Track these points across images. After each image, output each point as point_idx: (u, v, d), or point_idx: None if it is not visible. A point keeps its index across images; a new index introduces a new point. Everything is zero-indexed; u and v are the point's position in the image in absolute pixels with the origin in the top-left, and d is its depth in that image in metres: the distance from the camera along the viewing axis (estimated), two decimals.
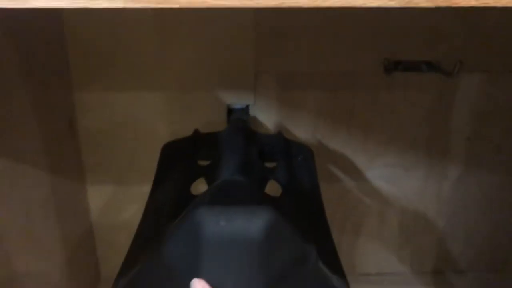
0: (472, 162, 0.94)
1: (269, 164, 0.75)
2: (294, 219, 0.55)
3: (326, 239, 0.64)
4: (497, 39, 0.83)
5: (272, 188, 0.69)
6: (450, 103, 0.89)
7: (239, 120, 0.83)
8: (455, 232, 1.01)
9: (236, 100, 0.87)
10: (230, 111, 0.87)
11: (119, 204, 0.96)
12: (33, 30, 0.69)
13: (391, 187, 0.95)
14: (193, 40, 0.82)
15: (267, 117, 0.89)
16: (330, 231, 0.65)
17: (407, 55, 0.83)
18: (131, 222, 0.95)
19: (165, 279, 0.52)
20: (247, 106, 0.87)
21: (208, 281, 0.49)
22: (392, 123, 0.89)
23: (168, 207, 0.64)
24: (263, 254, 0.49)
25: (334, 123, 0.90)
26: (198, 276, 0.49)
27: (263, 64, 0.84)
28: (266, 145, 0.79)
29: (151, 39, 0.82)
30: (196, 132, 0.83)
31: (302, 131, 0.90)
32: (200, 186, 0.71)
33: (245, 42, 0.82)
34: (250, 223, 0.48)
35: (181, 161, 0.76)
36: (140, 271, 0.54)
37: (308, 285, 0.53)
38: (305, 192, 0.70)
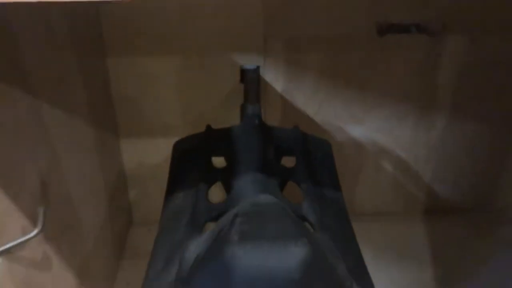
0: (457, 113, 1.06)
1: (287, 159, 0.74)
2: (327, 245, 0.52)
3: (355, 254, 0.61)
4: (478, 3, 0.94)
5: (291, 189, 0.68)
6: (437, 61, 1.00)
7: (253, 115, 0.81)
8: (443, 176, 1.14)
9: (248, 62, 0.99)
10: (242, 71, 1.00)
11: (147, 156, 1.10)
12: (75, 8, 0.82)
13: (386, 136, 1.08)
14: (210, 10, 0.94)
15: (275, 77, 1.02)
16: (357, 243, 0.62)
17: (398, 18, 0.94)
18: (158, 172, 1.10)
19: None
20: (258, 67, 0.99)
21: None
22: (386, 79, 1.01)
23: (187, 215, 0.63)
24: None
25: (334, 81, 1.02)
26: None
27: (271, 29, 0.96)
28: (283, 141, 0.76)
29: (174, 10, 0.94)
30: (208, 128, 0.82)
31: (306, 89, 1.03)
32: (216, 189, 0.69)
33: (255, 10, 0.94)
34: (286, 263, 0.45)
35: (195, 160, 0.74)
36: None
37: None
38: (325, 193, 0.68)
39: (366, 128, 1.07)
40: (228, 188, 0.68)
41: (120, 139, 1.07)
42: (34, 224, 0.60)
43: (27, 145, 0.63)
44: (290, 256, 0.45)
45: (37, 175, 0.65)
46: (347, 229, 0.64)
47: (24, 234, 0.58)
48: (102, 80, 0.97)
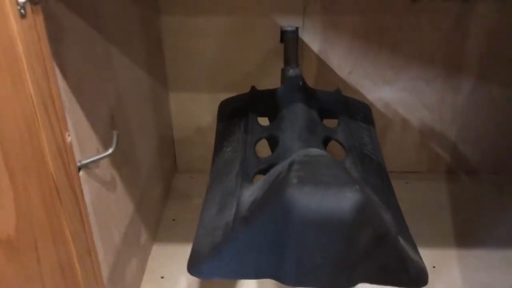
0: (483, 78, 1.12)
1: (328, 122, 0.76)
2: (373, 189, 0.57)
3: (395, 208, 0.64)
4: None
5: (333, 149, 0.71)
6: (467, 26, 1.06)
7: (295, 77, 0.83)
8: (467, 138, 1.21)
9: (288, 23, 1.08)
10: (282, 32, 1.08)
11: (193, 109, 1.21)
12: None
13: (413, 97, 1.16)
14: None
15: (312, 38, 1.10)
16: (396, 198, 0.67)
17: None
18: (202, 125, 1.21)
19: (248, 255, 0.54)
20: (297, 28, 1.08)
21: (295, 259, 0.51)
22: (416, 43, 1.08)
23: (237, 167, 0.66)
24: (349, 235, 0.50)
25: (367, 43, 1.09)
26: (284, 254, 0.51)
27: None
28: (325, 103, 0.79)
29: None
30: (253, 89, 0.87)
31: (340, 51, 1.11)
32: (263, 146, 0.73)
33: None
34: (340, 206, 0.49)
35: (241, 119, 0.77)
36: (224, 247, 0.55)
37: (388, 262, 0.54)
38: (367, 153, 0.71)
39: (395, 89, 1.15)
40: (273, 145, 0.72)
41: (169, 92, 1.19)
42: (105, 147, 0.72)
43: (101, 83, 0.75)
44: (344, 200, 0.49)
45: (108, 108, 0.77)
46: (388, 186, 0.69)
47: (99, 154, 0.70)
48: (156, 36, 1.08)
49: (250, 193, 0.57)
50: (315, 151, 0.57)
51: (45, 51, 0.51)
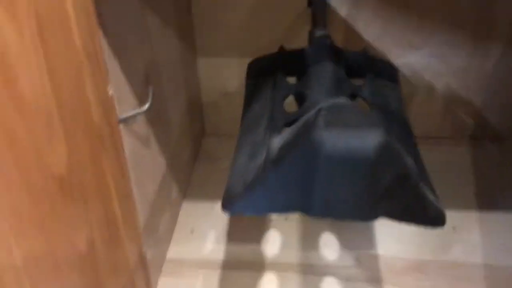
0: None
1: (355, 82, 0.77)
2: (396, 139, 0.59)
3: (418, 159, 0.67)
4: None
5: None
6: None
7: (323, 36, 0.85)
8: (492, 105, 1.21)
9: None
10: None
11: (221, 73, 1.24)
12: None
13: (440, 63, 1.16)
14: None
15: (340, 2, 1.11)
16: (418, 149, 0.71)
17: None
18: (230, 88, 1.25)
19: (278, 192, 0.58)
20: None
21: (321, 194, 0.55)
22: (445, 7, 1.08)
23: (266, 121, 0.69)
24: (373, 173, 0.54)
25: (394, 7, 1.10)
26: (312, 190, 0.55)
27: None
28: (352, 63, 0.80)
29: None
30: (281, 48, 0.89)
31: (368, 15, 1.11)
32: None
33: None
34: (364, 145, 0.52)
35: (269, 77, 0.79)
36: (256, 185, 0.59)
37: (408, 201, 0.57)
38: (392, 110, 0.73)
39: (422, 54, 1.15)
40: (300, 101, 0.75)
41: (198, 57, 1.22)
42: (141, 104, 0.77)
43: (137, 41, 0.78)
44: (369, 140, 0.52)
45: (144, 66, 0.81)
46: (411, 140, 0.72)
47: (135, 109, 0.75)
48: (186, 1, 1.11)
49: (279, 140, 0.61)
50: (341, 99, 0.60)
51: (91, 9, 0.55)
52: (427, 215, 0.59)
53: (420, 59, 1.16)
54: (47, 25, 0.45)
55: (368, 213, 0.58)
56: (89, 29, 0.55)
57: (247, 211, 0.62)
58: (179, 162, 1.09)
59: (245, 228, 1.06)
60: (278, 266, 0.97)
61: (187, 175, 1.18)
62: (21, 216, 0.41)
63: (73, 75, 0.51)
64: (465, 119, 1.24)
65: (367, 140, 0.52)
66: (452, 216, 1.06)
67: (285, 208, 0.60)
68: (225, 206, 0.61)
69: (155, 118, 0.88)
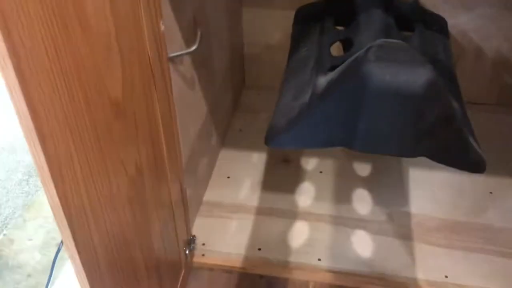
0: None
1: (405, 33, 0.78)
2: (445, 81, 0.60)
3: (463, 107, 0.68)
4: None
5: None
6: None
7: None
8: None
9: None
10: None
11: (264, 26, 1.24)
12: None
13: (491, 25, 1.12)
14: None
15: None
16: (463, 99, 0.70)
17: None
18: (272, 42, 1.24)
19: (322, 126, 0.59)
20: None
21: (366, 128, 0.55)
22: None
23: (313, 62, 0.70)
24: (419, 109, 0.54)
25: None
26: (356, 124, 0.57)
27: None
28: (402, 13, 0.81)
29: None
30: None
31: None
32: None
33: None
34: (413, 80, 0.52)
35: (317, 22, 0.80)
36: (301, 119, 0.60)
37: (451, 143, 0.58)
38: (440, 60, 0.74)
39: (474, 15, 1.11)
40: (347, 47, 0.74)
41: (243, 7, 1.22)
42: (188, 46, 0.78)
43: None
44: (418, 75, 0.53)
45: (192, 9, 0.82)
46: (457, 89, 0.71)
47: (183, 50, 0.76)
48: None
49: (325, 79, 0.61)
50: (391, 39, 0.59)
51: None
52: (468, 159, 0.59)
53: (471, 20, 1.12)
54: None
55: (410, 150, 0.58)
56: None
57: (289, 144, 0.63)
58: (219, 109, 1.11)
59: (280, 178, 1.08)
60: (310, 216, 1.00)
61: (227, 123, 1.21)
62: (82, 136, 0.44)
63: (131, 7, 0.52)
64: None
65: (416, 75, 0.52)
66: (490, 181, 1.06)
67: (327, 142, 0.60)
68: (268, 139, 0.63)
69: (200, 61, 0.90)
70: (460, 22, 1.13)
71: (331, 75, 0.61)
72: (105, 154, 0.50)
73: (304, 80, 0.66)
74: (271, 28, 1.24)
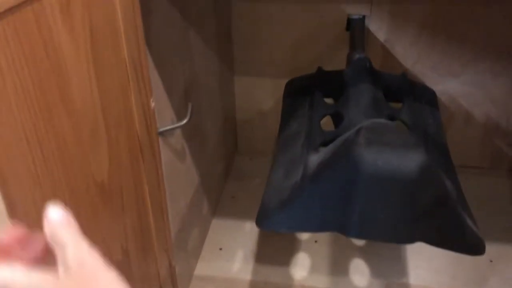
0: None
1: (394, 105, 0.78)
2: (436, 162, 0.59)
3: (457, 184, 0.67)
4: None
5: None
6: None
7: (363, 59, 0.85)
8: None
9: (355, 11, 1.09)
10: (349, 20, 1.10)
11: (256, 92, 1.25)
12: None
13: (479, 91, 1.14)
14: None
15: (378, 27, 1.11)
16: (457, 174, 0.69)
17: None
18: (264, 108, 1.25)
19: (315, 209, 0.58)
20: (363, 17, 1.10)
21: (359, 214, 0.54)
22: (485, 34, 1.07)
23: (303, 138, 0.70)
24: (412, 193, 0.53)
25: (434, 33, 1.09)
26: (349, 209, 0.55)
27: None
28: (391, 86, 0.81)
29: None
30: (319, 69, 0.89)
31: (406, 40, 1.11)
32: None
33: None
34: (405, 164, 0.51)
35: (307, 96, 0.80)
36: (292, 202, 0.58)
37: (447, 225, 0.57)
38: (431, 134, 0.73)
39: (461, 81, 1.13)
40: (337, 121, 0.74)
41: (235, 75, 1.24)
42: (179, 118, 0.78)
43: (179, 58, 0.80)
44: (409, 160, 0.52)
45: (183, 82, 0.82)
46: (450, 164, 0.70)
47: (173, 124, 0.76)
48: (227, 21, 1.13)
49: (316, 158, 0.60)
50: (381, 120, 0.60)
51: (138, 22, 0.57)
52: (466, 242, 0.57)
53: (459, 86, 1.14)
54: (100, 37, 0.46)
55: (406, 236, 0.57)
56: (137, 43, 0.56)
57: (281, 227, 0.61)
58: (211, 178, 1.10)
59: (274, 249, 1.05)
60: None
61: (219, 191, 1.19)
62: None
63: (120, 85, 0.52)
64: (505, 149, 1.21)
65: (408, 160, 0.52)
66: (489, 248, 1.02)
67: (320, 226, 0.59)
68: (259, 221, 0.61)
69: (192, 133, 0.90)
70: (449, 88, 1.15)
71: (322, 155, 0.60)
72: (90, 241, 0.47)
73: (295, 156, 0.65)
74: (263, 95, 1.25)
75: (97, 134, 0.47)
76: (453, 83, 1.14)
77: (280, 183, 0.63)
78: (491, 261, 1.00)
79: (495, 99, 1.15)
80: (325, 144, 0.65)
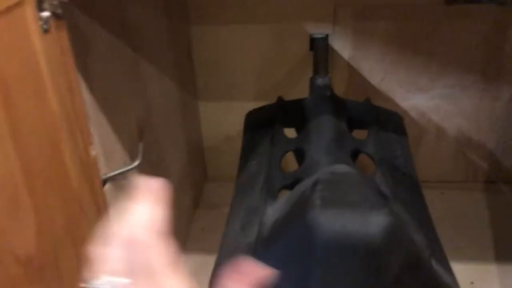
0: None
1: (358, 132, 0.75)
2: (403, 216, 0.53)
3: (429, 226, 0.62)
4: None
5: (364, 161, 0.69)
6: (505, 32, 1.01)
7: (323, 86, 0.81)
8: (506, 147, 1.15)
9: (318, 30, 1.06)
10: (312, 39, 1.06)
11: (222, 118, 1.21)
12: None
13: (449, 105, 1.11)
14: None
15: (342, 45, 1.08)
16: (429, 214, 0.63)
17: None
18: (232, 133, 1.21)
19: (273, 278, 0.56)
20: (327, 36, 1.06)
21: (322, 283, 0.47)
22: (452, 49, 1.04)
23: (261, 182, 0.65)
24: (378, 261, 0.46)
25: (400, 49, 1.06)
26: (307, 280, 0.47)
27: None
28: (354, 113, 0.77)
29: None
30: (280, 99, 0.85)
31: (372, 57, 1.08)
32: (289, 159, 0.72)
33: None
34: (367, 229, 0.45)
35: (267, 130, 0.76)
36: None
37: (419, 287, 0.51)
38: (399, 167, 0.69)
39: (430, 96, 1.11)
40: (300, 158, 0.69)
41: (198, 101, 1.19)
42: (133, 159, 0.72)
43: (129, 94, 0.75)
44: (371, 224, 0.45)
45: (136, 120, 0.77)
46: (420, 201, 0.65)
47: (126, 166, 0.70)
48: (186, 46, 1.08)
49: (272, 212, 0.55)
50: (341, 168, 0.54)
51: (70, 65, 0.51)
52: None
53: (428, 101, 1.11)
54: (15, 90, 0.41)
55: None
56: (69, 86, 0.51)
57: None
58: (178, 212, 1.04)
59: None
60: None
61: (187, 225, 1.13)
62: None
63: (47, 140, 0.47)
64: (478, 162, 1.19)
65: (370, 224, 0.45)
66: (470, 270, 0.99)
67: None
68: (212, 285, 0.55)
69: (150, 170, 0.84)
70: (418, 103, 1.12)
71: (278, 210, 0.54)
72: None
73: (253, 205, 0.60)
74: (229, 119, 1.20)
75: (17, 203, 0.41)
76: (422, 98, 1.11)
77: (235, 240, 0.58)
78: (472, 283, 0.96)
79: (466, 112, 1.12)
80: (285, 187, 0.60)
